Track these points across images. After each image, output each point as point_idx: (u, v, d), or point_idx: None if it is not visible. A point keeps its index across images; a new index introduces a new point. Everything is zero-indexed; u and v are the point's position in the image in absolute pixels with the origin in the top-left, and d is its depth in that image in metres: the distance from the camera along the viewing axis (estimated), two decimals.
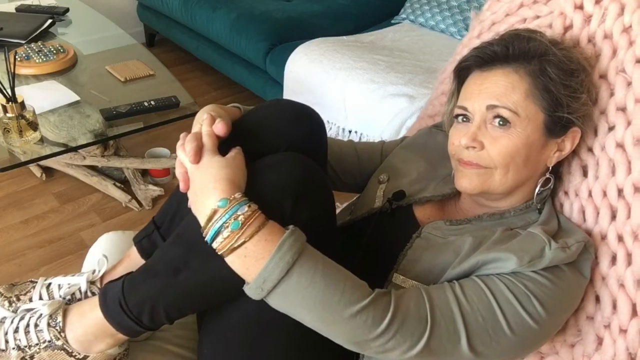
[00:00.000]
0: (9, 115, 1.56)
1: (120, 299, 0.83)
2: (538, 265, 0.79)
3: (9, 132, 1.59)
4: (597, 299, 0.88)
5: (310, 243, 0.76)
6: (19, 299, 0.94)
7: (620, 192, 0.88)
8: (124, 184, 2.27)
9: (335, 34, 2.58)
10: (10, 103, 1.54)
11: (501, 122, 0.86)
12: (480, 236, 0.88)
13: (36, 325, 0.86)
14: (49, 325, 0.86)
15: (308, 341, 0.81)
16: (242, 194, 0.75)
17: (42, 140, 1.68)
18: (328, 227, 0.87)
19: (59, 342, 0.85)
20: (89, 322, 0.85)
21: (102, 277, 0.98)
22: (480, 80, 0.89)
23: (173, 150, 2.35)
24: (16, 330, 0.86)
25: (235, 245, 0.72)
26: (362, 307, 0.73)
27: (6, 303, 0.94)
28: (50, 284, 0.97)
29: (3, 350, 0.84)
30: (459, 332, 0.77)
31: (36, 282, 0.98)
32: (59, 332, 0.86)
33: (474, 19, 1.24)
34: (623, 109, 0.89)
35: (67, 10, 2.48)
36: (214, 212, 0.74)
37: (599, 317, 0.88)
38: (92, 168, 2.27)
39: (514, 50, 0.87)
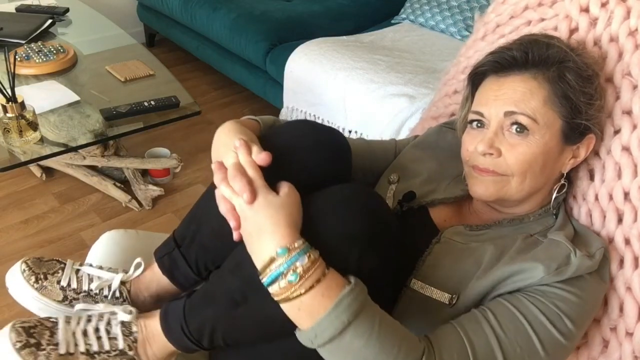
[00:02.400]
0: (9, 115, 1.56)
1: (182, 323, 0.83)
2: (565, 274, 0.79)
3: (9, 132, 1.59)
4: (605, 302, 0.89)
5: (370, 290, 0.74)
6: (46, 278, 0.94)
7: (626, 195, 0.88)
8: (124, 184, 2.26)
9: (335, 34, 2.58)
10: (10, 103, 1.54)
11: (519, 129, 0.85)
12: (502, 245, 0.87)
13: (107, 332, 0.85)
14: (123, 334, 0.85)
15: None
16: (302, 240, 0.71)
17: (42, 140, 1.67)
18: (391, 272, 0.83)
19: (131, 353, 0.84)
20: (152, 338, 0.86)
21: (131, 281, 0.98)
22: (497, 85, 0.88)
23: (173, 150, 2.35)
24: (85, 333, 0.85)
25: (291, 297, 0.69)
26: None
27: (33, 278, 0.93)
28: (79, 270, 0.96)
29: (71, 354, 0.82)
30: None
31: (63, 264, 0.97)
32: (133, 343, 0.85)
33: (477, 21, 1.23)
34: (629, 113, 0.89)
35: (67, 10, 2.47)
36: (272, 260, 0.70)
37: (606, 320, 0.88)
38: (92, 168, 2.27)
39: (533, 56, 0.86)
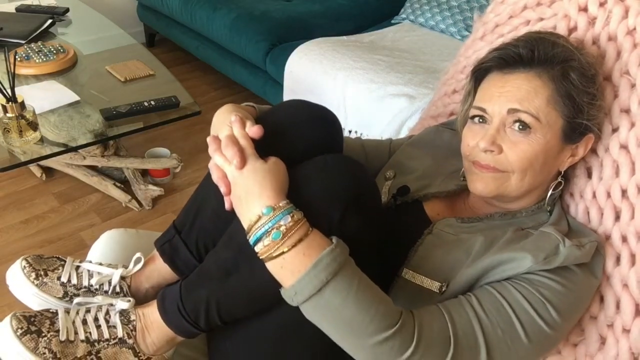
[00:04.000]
0: (9, 115, 1.56)
1: (178, 304, 0.85)
2: (553, 263, 0.79)
3: (9, 132, 1.59)
4: (601, 299, 0.89)
5: (354, 253, 0.76)
6: (46, 274, 0.94)
7: (624, 193, 0.88)
8: (124, 184, 2.27)
9: (335, 34, 2.58)
10: (10, 103, 1.54)
11: (521, 127, 0.85)
12: (492, 235, 0.88)
13: (107, 321, 0.87)
14: (122, 322, 0.87)
15: (337, 348, 0.79)
16: (287, 201, 0.75)
17: (42, 140, 1.67)
18: (374, 236, 0.85)
19: (130, 341, 0.86)
20: (151, 326, 0.88)
21: (131, 276, 0.99)
22: (501, 82, 0.88)
23: (173, 150, 2.36)
24: (84, 322, 0.86)
25: (274, 254, 0.73)
26: (389, 336, 0.72)
27: (33, 275, 0.93)
28: (79, 266, 0.97)
29: (71, 341, 0.83)
30: (480, 347, 0.77)
31: (63, 261, 0.97)
32: (132, 331, 0.86)
33: (477, 21, 1.24)
34: (627, 111, 0.90)
35: (67, 10, 2.48)
36: (258, 218, 0.74)
37: (603, 317, 0.89)
38: (92, 168, 2.27)
39: (539, 54, 0.85)
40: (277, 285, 0.76)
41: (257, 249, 0.74)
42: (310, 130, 0.90)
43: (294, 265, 0.72)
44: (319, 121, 0.92)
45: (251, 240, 0.75)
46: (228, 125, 0.83)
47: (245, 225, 0.76)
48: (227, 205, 0.81)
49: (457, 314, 0.78)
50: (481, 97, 0.91)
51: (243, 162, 0.77)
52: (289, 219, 0.73)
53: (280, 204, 0.74)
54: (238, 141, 0.79)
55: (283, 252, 0.72)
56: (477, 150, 0.88)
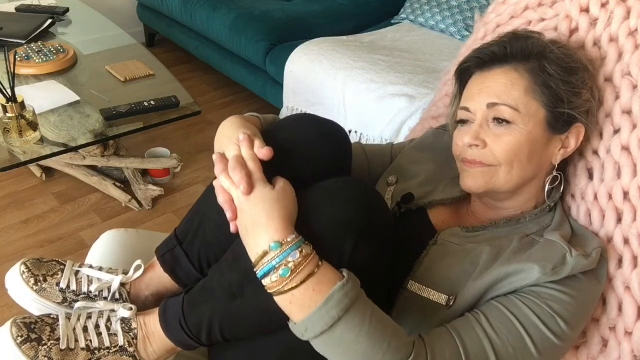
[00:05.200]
0: (9, 115, 1.56)
1: (180, 318, 0.84)
2: (561, 274, 0.79)
3: (9, 132, 1.59)
4: (604, 302, 0.89)
5: (365, 281, 0.74)
6: (45, 280, 0.93)
7: (625, 195, 0.88)
8: (124, 184, 2.27)
9: (335, 34, 2.58)
10: (10, 103, 1.54)
11: (500, 122, 0.87)
12: (498, 245, 0.87)
13: (108, 328, 0.86)
14: (123, 330, 0.86)
15: None
16: (295, 235, 0.72)
17: (42, 140, 1.67)
18: (385, 261, 0.83)
19: (131, 349, 0.85)
20: (152, 336, 0.87)
21: (131, 282, 0.98)
22: (481, 80, 0.91)
23: (173, 150, 2.35)
24: (85, 330, 0.85)
25: (283, 290, 0.71)
26: None
27: (32, 280, 0.92)
28: (78, 272, 0.96)
29: (71, 349, 0.83)
30: None
31: (63, 265, 0.96)
32: (133, 339, 0.86)
33: (478, 22, 1.24)
34: (629, 112, 0.89)
35: (67, 10, 2.47)
36: (265, 253, 0.71)
37: (605, 320, 0.89)
38: (92, 168, 2.27)
39: (512, 49, 0.89)
40: (284, 314, 0.75)
41: (264, 283, 0.72)
42: (321, 149, 0.88)
43: (304, 301, 0.71)
44: (329, 138, 0.90)
45: (258, 274, 0.72)
46: (236, 143, 0.80)
47: (252, 258, 0.73)
48: (232, 229, 0.78)
49: (468, 335, 0.77)
50: (465, 98, 0.94)
51: (250, 188, 0.75)
52: (298, 255, 0.70)
53: (289, 239, 0.71)
54: (246, 164, 0.77)
55: (292, 289, 0.70)
56: (465, 147, 0.90)
